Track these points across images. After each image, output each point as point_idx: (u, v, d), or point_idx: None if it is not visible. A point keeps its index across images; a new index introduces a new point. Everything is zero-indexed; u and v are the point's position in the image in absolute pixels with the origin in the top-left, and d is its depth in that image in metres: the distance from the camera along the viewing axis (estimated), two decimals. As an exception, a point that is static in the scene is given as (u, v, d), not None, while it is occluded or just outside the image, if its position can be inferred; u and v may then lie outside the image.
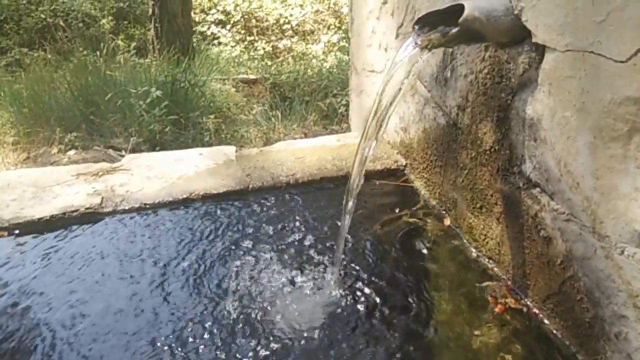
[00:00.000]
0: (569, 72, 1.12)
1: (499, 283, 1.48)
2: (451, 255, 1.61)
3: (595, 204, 1.11)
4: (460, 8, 1.22)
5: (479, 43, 1.42)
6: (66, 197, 1.76)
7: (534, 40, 1.22)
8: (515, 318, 1.36)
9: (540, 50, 1.22)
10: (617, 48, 0.99)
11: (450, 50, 1.61)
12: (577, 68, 1.10)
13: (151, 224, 1.70)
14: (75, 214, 1.70)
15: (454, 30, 1.23)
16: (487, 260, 1.57)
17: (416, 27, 1.34)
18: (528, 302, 1.40)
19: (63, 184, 1.83)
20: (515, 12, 1.25)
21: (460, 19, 1.20)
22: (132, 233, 1.66)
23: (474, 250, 1.63)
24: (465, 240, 1.67)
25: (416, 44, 1.30)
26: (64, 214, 1.69)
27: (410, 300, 1.42)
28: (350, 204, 1.45)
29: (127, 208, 1.75)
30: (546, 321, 1.34)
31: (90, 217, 1.70)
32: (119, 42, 6.62)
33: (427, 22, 1.33)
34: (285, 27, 7.60)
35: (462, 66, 1.56)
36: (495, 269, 1.53)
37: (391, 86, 1.35)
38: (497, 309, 1.40)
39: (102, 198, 1.77)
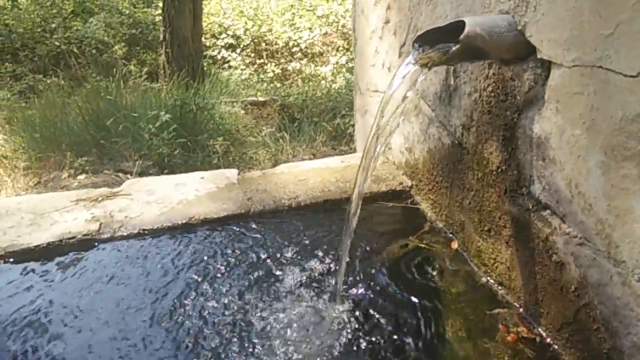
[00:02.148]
0: (577, 89, 1.07)
1: (510, 310, 1.40)
2: (459, 281, 1.54)
3: (609, 227, 1.04)
4: (461, 25, 1.17)
5: (481, 60, 1.37)
6: (64, 224, 1.73)
7: (539, 56, 1.17)
8: (528, 348, 1.28)
9: (546, 66, 1.16)
10: (627, 62, 0.93)
11: (453, 68, 1.57)
12: (585, 84, 1.04)
13: (148, 251, 1.65)
14: (72, 240, 1.66)
15: (455, 47, 1.18)
16: (497, 285, 1.50)
17: (416, 44, 1.29)
18: (541, 331, 1.32)
19: (62, 210, 1.80)
20: (519, 27, 1.20)
21: (462, 36, 1.16)
22: (128, 260, 1.61)
23: (483, 275, 1.55)
24: (473, 265, 1.60)
25: (416, 62, 1.26)
26: (61, 241, 1.65)
27: (416, 329, 1.35)
28: (352, 227, 1.40)
29: (125, 234, 1.71)
30: (561, 352, 1.26)
31: (87, 243, 1.67)
32: (131, 67, 6.72)
33: (427, 40, 1.29)
34: (294, 49, 7.66)
35: (465, 84, 1.51)
36: (506, 295, 1.46)
37: (391, 105, 1.30)
38: (509, 338, 1.32)
39: (100, 224, 1.73)
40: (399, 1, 1.88)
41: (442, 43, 1.25)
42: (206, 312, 1.40)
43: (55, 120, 4.44)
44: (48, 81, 6.08)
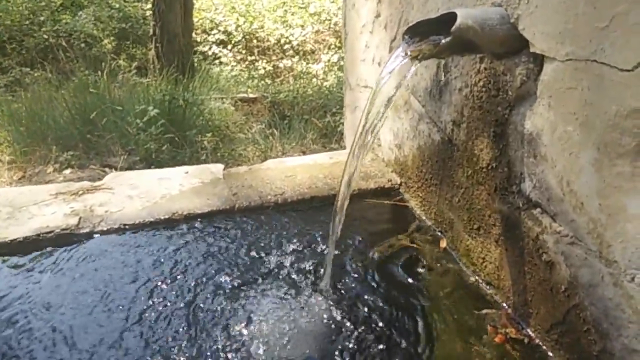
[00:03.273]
0: (570, 83, 1.04)
1: (499, 311, 1.38)
2: (447, 280, 1.51)
3: (601, 226, 1.01)
4: (452, 17, 1.14)
5: (473, 54, 1.34)
6: (42, 218, 1.67)
7: (531, 49, 1.14)
8: (516, 349, 1.26)
9: (539, 60, 1.13)
10: (622, 56, 0.90)
11: (444, 62, 1.53)
12: (579, 78, 1.01)
13: (129, 246, 1.60)
14: (50, 235, 1.60)
15: (446, 39, 1.15)
16: (485, 285, 1.47)
17: (406, 36, 1.26)
18: (530, 332, 1.29)
19: (40, 204, 1.74)
20: (512, 20, 1.17)
21: (453, 28, 1.12)
22: (107, 255, 1.56)
23: (471, 274, 1.52)
24: (462, 264, 1.57)
25: (406, 54, 1.22)
26: (39, 235, 1.59)
27: (403, 328, 1.31)
28: (338, 225, 1.36)
29: (105, 229, 1.65)
30: (550, 353, 1.23)
31: (65, 238, 1.61)
32: (121, 62, 6.63)
33: (417, 32, 1.25)
34: (286, 47, 7.61)
35: (456, 79, 1.48)
36: (495, 295, 1.43)
37: (380, 99, 1.27)
38: (496, 339, 1.29)
39: (80, 218, 1.68)
40: (390, -5, 1.84)
41: (433, 35, 1.21)
42: (189, 307, 1.35)
43: (41, 114, 4.36)
44: (35, 74, 5.98)
